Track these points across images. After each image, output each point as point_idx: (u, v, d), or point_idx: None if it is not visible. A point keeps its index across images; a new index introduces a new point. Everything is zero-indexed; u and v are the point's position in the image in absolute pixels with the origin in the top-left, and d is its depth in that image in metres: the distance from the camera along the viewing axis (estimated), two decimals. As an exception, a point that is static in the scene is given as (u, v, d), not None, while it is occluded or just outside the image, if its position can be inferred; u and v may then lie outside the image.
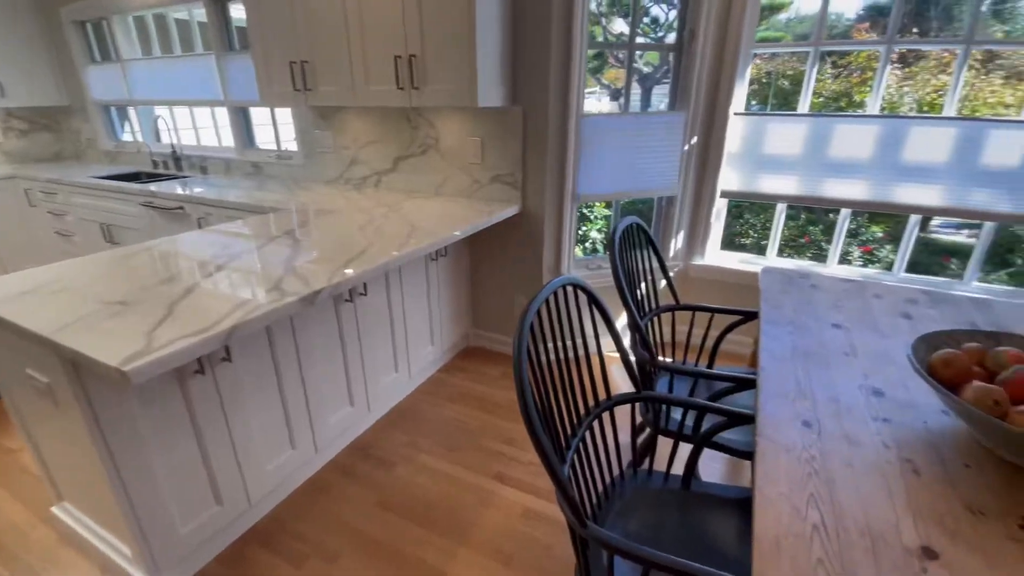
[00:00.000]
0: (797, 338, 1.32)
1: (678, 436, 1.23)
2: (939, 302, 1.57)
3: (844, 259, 3.37)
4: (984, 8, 2.12)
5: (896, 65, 3.26)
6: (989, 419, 0.79)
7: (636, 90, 3.51)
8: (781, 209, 2.65)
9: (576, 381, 2.21)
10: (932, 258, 3.40)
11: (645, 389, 1.43)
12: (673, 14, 2.54)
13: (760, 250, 2.88)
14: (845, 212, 2.50)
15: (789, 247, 3.76)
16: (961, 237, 3.65)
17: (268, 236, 1.91)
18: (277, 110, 3.26)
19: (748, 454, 1.33)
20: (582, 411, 1.15)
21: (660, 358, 1.50)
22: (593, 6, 2.21)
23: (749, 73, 2.45)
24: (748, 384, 1.28)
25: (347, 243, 1.79)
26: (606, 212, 3.88)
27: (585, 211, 3.89)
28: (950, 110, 2.20)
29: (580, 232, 3.96)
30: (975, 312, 1.51)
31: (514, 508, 1.74)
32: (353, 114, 2.75)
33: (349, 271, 1.51)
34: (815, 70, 2.39)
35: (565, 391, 1.03)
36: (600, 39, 3.00)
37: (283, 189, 2.87)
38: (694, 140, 2.54)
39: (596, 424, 1.78)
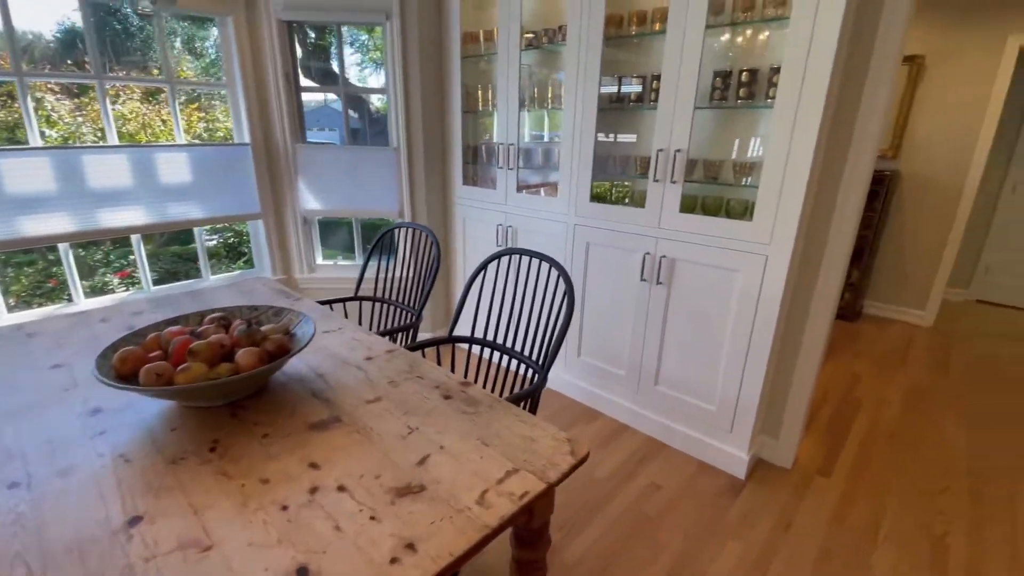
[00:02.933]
0: (4, 401, 1.17)
1: None
2: (161, 304, 1.81)
3: (104, 290, 3.26)
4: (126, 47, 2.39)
5: (62, 96, 3.22)
6: (158, 389, 1.00)
7: None
8: (-20, 260, 2.18)
9: None
10: (190, 264, 3.88)
11: None
12: None
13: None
14: (63, 246, 2.36)
15: (37, 296, 3.23)
16: (213, 242, 4.34)
17: None
18: None
19: None
20: None
21: None
22: None
23: None
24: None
25: None
26: None
27: None
28: (115, 136, 2.42)
29: None
30: (189, 302, 1.84)
31: None
32: None
33: None
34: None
35: None
36: None
37: None
38: None
39: None
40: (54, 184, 2.23)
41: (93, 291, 3.18)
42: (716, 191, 2.01)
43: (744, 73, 1.80)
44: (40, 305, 2.40)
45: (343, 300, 2.15)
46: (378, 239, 2.18)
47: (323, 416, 1.11)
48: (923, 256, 3.80)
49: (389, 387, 1.25)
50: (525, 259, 2.40)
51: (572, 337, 2.52)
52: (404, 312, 2.11)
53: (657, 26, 1.97)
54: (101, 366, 1.07)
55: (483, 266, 1.76)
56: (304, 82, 2.78)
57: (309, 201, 2.89)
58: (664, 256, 2.06)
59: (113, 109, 3.67)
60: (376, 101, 3.77)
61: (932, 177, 3.65)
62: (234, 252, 4.06)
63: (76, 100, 3.19)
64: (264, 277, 2.13)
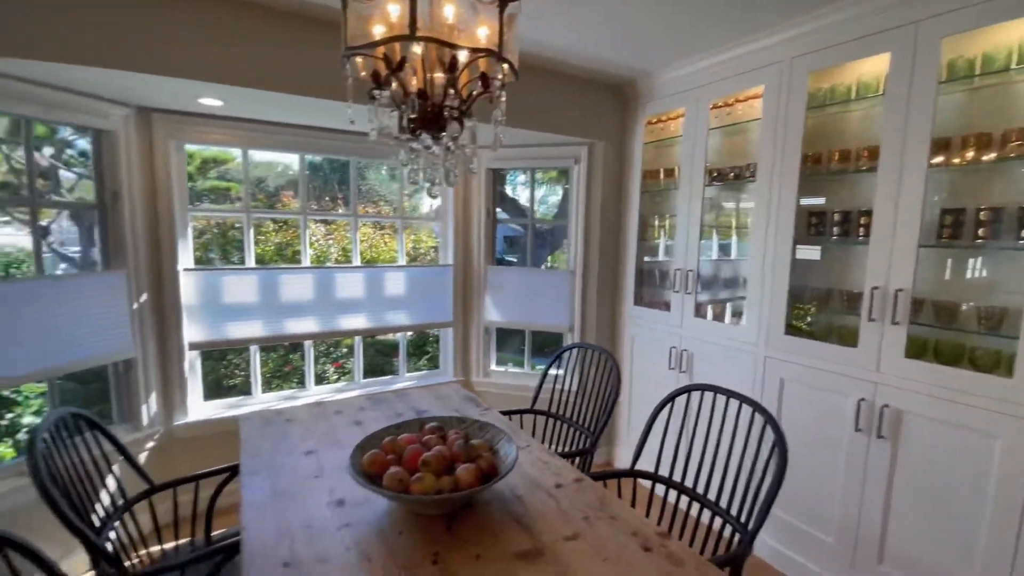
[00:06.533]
0: (274, 481, 1.44)
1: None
2: (378, 403, 2.11)
3: (323, 379, 3.91)
4: (362, 187, 3.14)
5: (320, 223, 4.24)
6: (397, 495, 1.15)
7: (73, 229, 2.95)
8: (255, 350, 2.84)
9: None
10: (385, 358, 4.49)
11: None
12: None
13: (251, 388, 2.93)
14: (308, 343, 2.95)
15: (276, 378, 4.01)
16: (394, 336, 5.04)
17: None
18: None
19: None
20: None
21: (153, 549, 1.27)
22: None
23: (191, 232, 2.55)
24: (232, 549, 1.28)
25: None
26: (40, 388, 2.93)
27: (9, 394, 2.81)
28: (358, 259, 3.06)
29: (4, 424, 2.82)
30: (399, 403, 2.11)
31: None
32: None
33: None
34: (251, 232, 2.77)
35: None
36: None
37: None
38: (143, 298, 2.36)
39: None
40: (311, 295, 2.85)
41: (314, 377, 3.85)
42: (952, 337, 1.73)
43: (983, 212, 1.61)
44: (278, 386, 2.97)
45: (521, 412, 2.26)
46: (557, 355, 2.30)
47: (526, 546, 1.15)
48: None
49: (584, 524, 1.24)
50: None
51: (759, 482, 2.23)
52: (577, 433, 2.12)
53: (864, 164, 1.91)
54: (353, 463, 1.28)
55: (670, 399, 1.73)
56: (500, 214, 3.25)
57: (492, 313, 3.21)
58: (886, 405, 1.79)
59: (348, 235, 4.64)
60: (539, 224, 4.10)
61: None
62: (419, 350, 4.60)
63: (327, 227, 4.18)
64: (455, 384, 2.36)
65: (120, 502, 1.48)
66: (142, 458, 2.39)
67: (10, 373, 1.90)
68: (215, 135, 2.51)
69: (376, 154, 2.98)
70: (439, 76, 1.10)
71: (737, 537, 1.40)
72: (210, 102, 2.21)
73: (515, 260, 3.41)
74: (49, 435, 1.26)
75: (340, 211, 4.29)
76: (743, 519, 1.41)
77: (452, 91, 1.07)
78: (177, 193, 2.43)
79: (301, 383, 3.00)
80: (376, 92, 1.17)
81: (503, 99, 1.15)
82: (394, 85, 1.16)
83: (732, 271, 2.71)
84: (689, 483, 1.61)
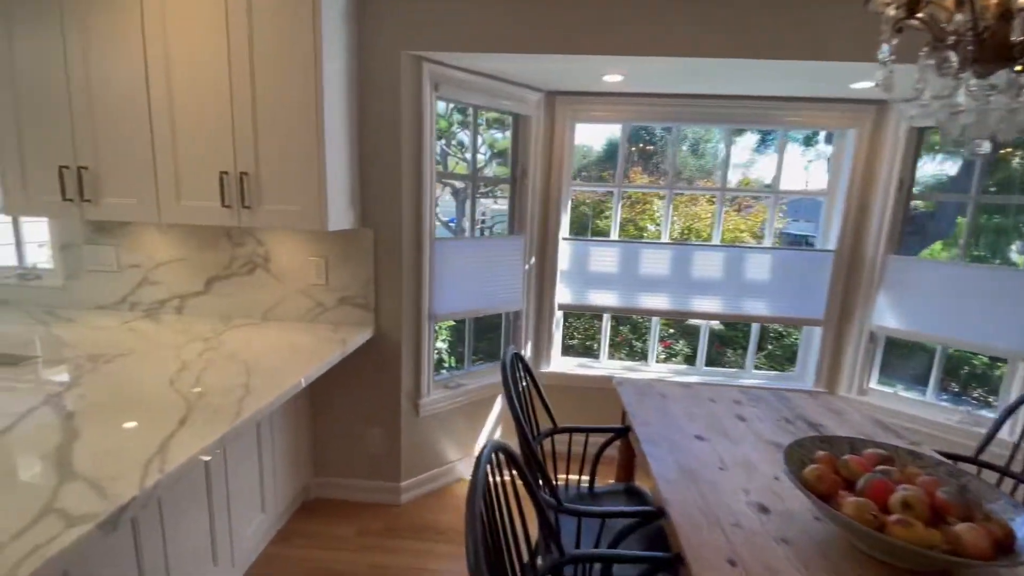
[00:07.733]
0: (676, 457, 1.40)
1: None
2: (755, 400, 1.89)
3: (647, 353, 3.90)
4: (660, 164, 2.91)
5: (662, 197, 4.20)
6: (873, 534, 0.92)
7: (451, 202, 3.81)
8: (607, 318, 3.00)
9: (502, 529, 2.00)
10: (709, 346, 4.23)
11: (551, 533, 1.34)
12: (478, 140, 2.87)
13: (586, 350, 3.15)
14: (656, 319, 2.95)
15: (609, 346, 4.25)
16: (720, 326, 4.68)
17: (13, 411, 1.33)
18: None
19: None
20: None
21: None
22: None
23: (569, 204, 2.82)
24: (651, 516, 1.29)
25: (157, 408, 1.34)
26: (450, 323, 3.88)
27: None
28: (715, 238, 2.85)
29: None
30: (781, 406, 1.84)
31: None
32: (151, 226, 2.26)
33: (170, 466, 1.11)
34: (620, 205, 2.88)
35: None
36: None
37: (29, 321, 2.12)
38: (532, 260, 2.75)
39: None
40: (664, 271, 2.81)
41: (641, 353, 3.89)
42: None
43: None
44: (610, 355, 3.07)
45: (959, 458, 1.67)
46: (1044, 398, 1.59)
47: None
48: None
49: None
50: None
51: None
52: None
53: None
54: (793, 472, 1.10)
55: None
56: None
57: (886, 317, 2.53)
58: None
59: (689, 211, 4.47)
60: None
61: None
62: (745, 339, 4.16)
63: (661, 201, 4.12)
64: (852, 399, 1.93)
65: (535, 433, 1.72)
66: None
67: (445, 310, 2.46)
68: (601, 112, 2.66)
69: (761, 120, 2.67)
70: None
71: None
72: (611, 79, 2.32)
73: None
74: (511, 366, 1.51)
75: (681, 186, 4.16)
76: None
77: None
78: (566, 168, 2.70)
79: (631, 355, 3.04)
80: (911, 22, 0.89)
81: None
82: (938, 11, 0.87)
83: None
84: None
